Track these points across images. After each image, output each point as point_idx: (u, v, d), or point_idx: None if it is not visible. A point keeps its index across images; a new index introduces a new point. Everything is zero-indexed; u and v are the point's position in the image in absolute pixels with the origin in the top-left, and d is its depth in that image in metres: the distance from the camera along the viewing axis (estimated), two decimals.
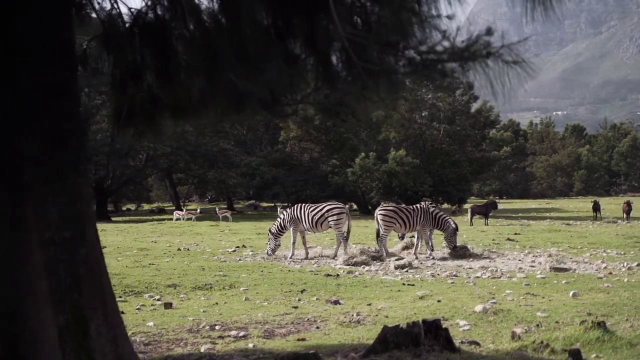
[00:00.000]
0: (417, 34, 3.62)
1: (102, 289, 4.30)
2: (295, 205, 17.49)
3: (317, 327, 8.16)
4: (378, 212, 16.79)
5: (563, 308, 8.91)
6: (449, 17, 3.82)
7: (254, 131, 59.20)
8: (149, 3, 5.49)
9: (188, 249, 18.41)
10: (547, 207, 52.21)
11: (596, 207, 35.96)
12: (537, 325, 7.81)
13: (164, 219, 38.63)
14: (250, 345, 6.94)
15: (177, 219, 36.59)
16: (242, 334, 7.63)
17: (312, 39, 4.13)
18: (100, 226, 23.89)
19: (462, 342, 6.69)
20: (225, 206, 52.04)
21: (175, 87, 5.29)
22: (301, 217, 16.76)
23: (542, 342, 6.32)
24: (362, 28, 3.82)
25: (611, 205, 46.89)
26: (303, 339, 7.31)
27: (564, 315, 8.36)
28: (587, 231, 24.83)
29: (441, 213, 17.08)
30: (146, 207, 65.61)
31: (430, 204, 17.66)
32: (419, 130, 47.00)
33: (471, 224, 30.62)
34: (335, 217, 16.58)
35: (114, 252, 17.08)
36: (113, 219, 43.06)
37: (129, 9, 5.74)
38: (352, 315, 8.81)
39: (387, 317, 8.64)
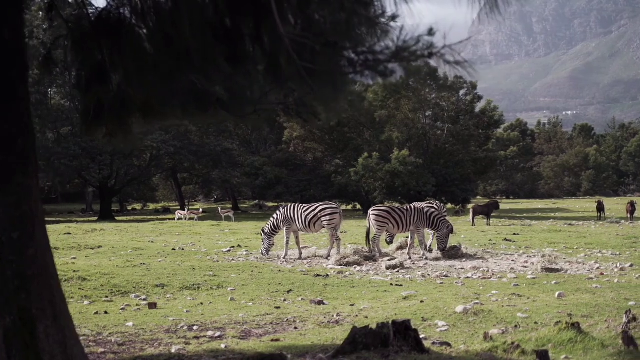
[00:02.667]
0: (355, 34, 3.60)
1: (51, 290, 4.29)
2: (289, 205, 17.43)
3: (295, 328, 8.14)
4: (371, 212, 16.71)
5: (545, 309, 8.84)
6: (393, 18, 3.78)
7: (258, 131, 59.16)
8: (112, 3, 5.50)
9: (183, 249, 18.41)
10: (553, 207, 51.92)
11: (600, 207, 35.72)
12: (516, 326, 7.76)
13: (166, 219, 38.69)
14: (223, 346, 6.93)
15: (179, 219, 36.65)
16: (217, 334, 7.62)
17: (260, 39, 4.12)
18: (101, 226, 23.75)
19: (433, 343, 6.65)
20: (230, 206, 52.10)
21: (138, 87, 5.29)
22: (294, 217, 16.72)
23: (512, 343, 6.28)
24: (304, 28, 3.80)
25: (618, 205, 46.61)
26: (277, 340, 7.29)
27: (544, 317, 8.30)
28: (587, 232, 24.65)
29: (437, 213, 16.93)
30: (152, 206, 65.75)
31: (442, 204, 17.52)
32: (422, 130, 46.85)
33: (473, 224, 30.55)
34: (328, 217, 16.53)
35: (108, 252, 17.11)
36: (117, 218, 43.23)
37: (95, 8, 5.75)
38: (332, 316, 8.79)
39: (367, 317, 8.61)
